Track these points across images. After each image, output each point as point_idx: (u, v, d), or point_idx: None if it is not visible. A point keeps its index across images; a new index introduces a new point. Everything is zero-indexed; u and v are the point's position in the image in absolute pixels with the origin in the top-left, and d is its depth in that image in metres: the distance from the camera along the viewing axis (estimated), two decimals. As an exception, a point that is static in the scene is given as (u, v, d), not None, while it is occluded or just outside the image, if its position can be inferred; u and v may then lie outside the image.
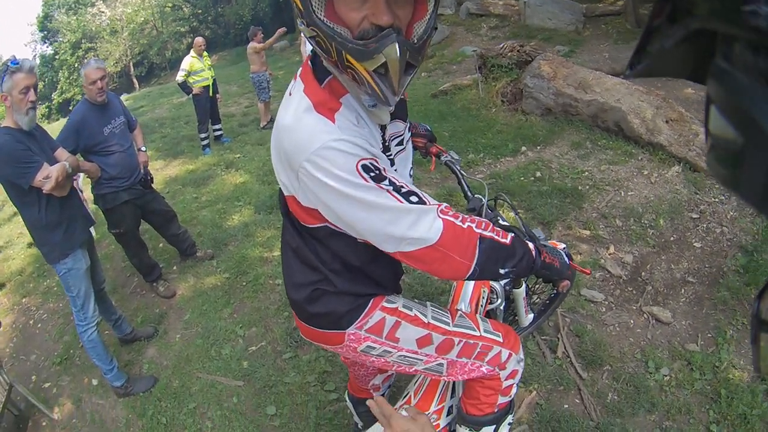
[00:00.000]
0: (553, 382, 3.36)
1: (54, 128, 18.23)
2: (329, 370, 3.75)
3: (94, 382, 4.39)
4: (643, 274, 4.31)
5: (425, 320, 1.83)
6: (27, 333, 5.15)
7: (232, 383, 3.91)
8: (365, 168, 1.34)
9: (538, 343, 3.64)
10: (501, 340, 1.96)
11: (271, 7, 35.09)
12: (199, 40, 9.98)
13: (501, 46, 9.25)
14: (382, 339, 1.80)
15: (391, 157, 1.62)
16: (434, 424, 1.93)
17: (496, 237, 1.53)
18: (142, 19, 41.10)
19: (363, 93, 1.37)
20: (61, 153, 3.73)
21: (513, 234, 1.62)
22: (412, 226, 1.39)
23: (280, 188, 1.64)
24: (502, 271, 1.55)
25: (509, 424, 2.14)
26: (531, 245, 1.67)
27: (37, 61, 49.09)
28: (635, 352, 3.56)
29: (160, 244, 5.79)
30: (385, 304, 1.79)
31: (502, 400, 2.01)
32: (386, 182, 1.37)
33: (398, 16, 1.28)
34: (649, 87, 7.22)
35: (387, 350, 1.82)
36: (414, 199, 1.40)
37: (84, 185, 5.18)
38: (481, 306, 2.38)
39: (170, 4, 41.03)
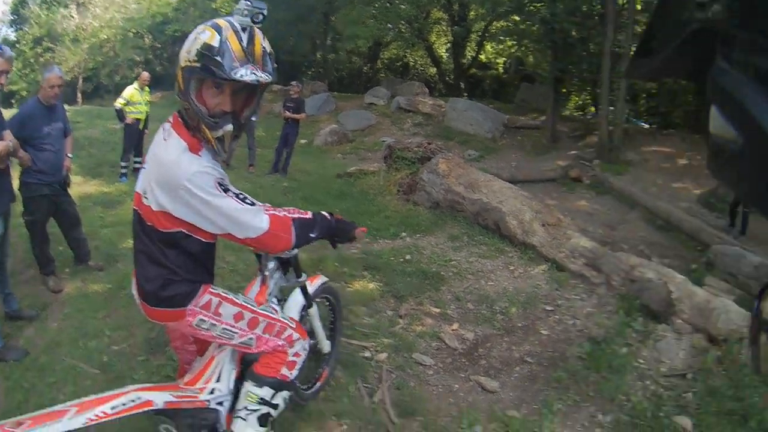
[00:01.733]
0: (365, 421, 3.76)
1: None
2: (172, 375, 4.14)
3: None
4: (480, 350, 4.81)
5: (238, 301, 2.64)
6: None
7: (90, 370, 4.36)
8: (219, 184, 2.21)
9: (359, 388, 4.10)
10: (294, 325, 2.84)
11: None
12: (145, 74, 11.01)
13: (410, 140, 10.21)
14: (209, 313, 2.53)
15: None
16: (196, 396, 2.62)
17: (302, 216, 2.50)
18: (105, 37, 41.22)
19: (204, 144, 2.30)
20: (8, 135, 4.41)
21: (315, 213, 2.61)
22: (251, 219, 2.26)
23: (135, 210, 2.47)
24: (312, 235, 2.54)
25: (284, 399, 2.80)
26: (326, 214, 2.67)
27: None
28: (452, 410, 3.99)
29: (60, 247, 6.26)
30: (211, 289, 2.56)
31: (284, 371, 2.75)
32: (231, 192, 2.24)
33: (236, 105, 2.29)
34: (537, 194, 8.08)
35: (213, 323, 2.54)
36: (249, 201, 2.28)
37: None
38: None
39: (134, 30, 41.26)
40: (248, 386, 2.72)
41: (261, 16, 2.17)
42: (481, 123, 15.31)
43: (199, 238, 2.38)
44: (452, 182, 8.19)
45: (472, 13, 23.43)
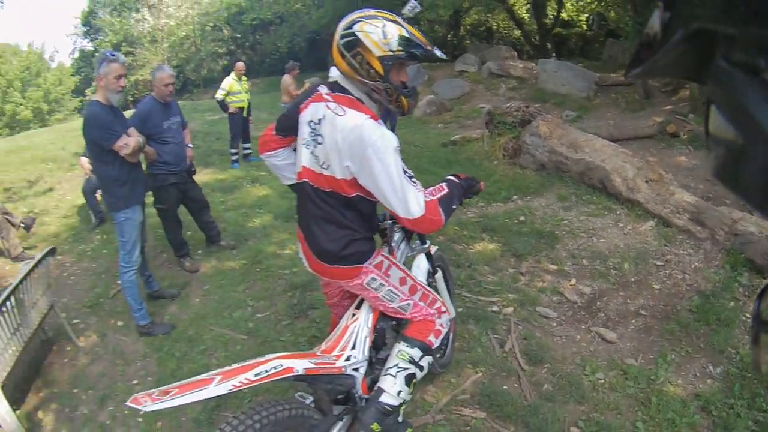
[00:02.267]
0: (498, 368, 4.10)
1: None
2: (317, 335, 4.55)
3: (120, 323, 5.27)
4: (598, 303, 5.00)
5: (401, 267, 2.96)
6: (60, 282, 5.93)
7: (238, 336, 4.82)
8: (396, 151, 2.48)
9: (490, 339, 4.42)
10: (441, 299, 3.12)
11: (307, 42, 35.34)
12: (240, 64, 11.24)
13: (508, 105, 10.22)
14: (381, 273, 2.82)
15: None
16: (333, 363, 2.80)
17: (441, 193, 2.67)
18: (184, 34, 41.86)
19: (396, 110, 2.77)
20: (133, 132, 4.78)
21: (445, 182, 2.81)
22: (413, 202, 2.47)
23: (305, 182, 2.77)
24: (454, 207, 2.73)
25: (428, 363, 3.05)
26: (452, 178, 2.88)
27: (77, 54, 50.65)
28: (575, 358, 4.24)
29: (189, 232, 6.73)
30: (382, 252, 2.90)
31: (431, 338, 3.00)
32: (402, 167, 2.48)
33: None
34: (637, 151, 8.06)
35: (382, 284, 2.83)
36: (414, 180, 2.52)
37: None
38: None
39: (211, 24, 41.67)
40: (400, 346, 2.96)
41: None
42: (573, 83, 15.12)
43: (371, 199, 2.68)
44: (555, 143, 8.28)
45: (547, -30, 22.31)
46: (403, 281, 2.93)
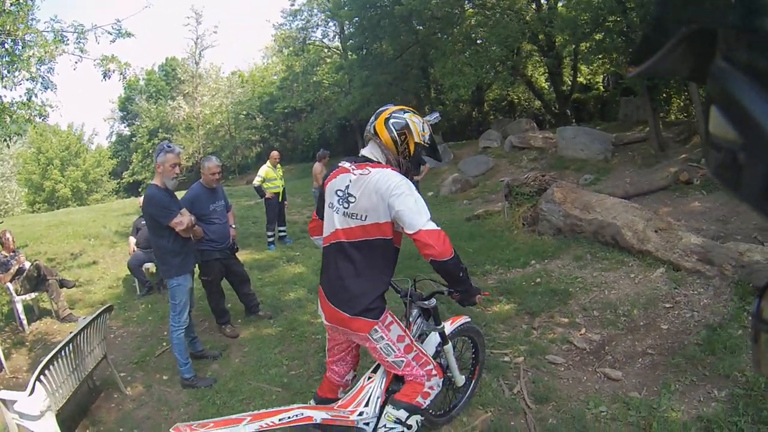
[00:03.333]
0: (506, 408, 4.48)
1: (124, 204, 21.11)
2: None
3: (165, 377, 5.89)
4: (606, 348, 5.33)
5: (403, 326, 3.32)
6: (107, 342, 6.21)
7: (273, 389, 5.36)
8: (410, 187, 3.03)
9: (501, 384, 4.84)
10: (434, 363, 3.44)
11: (337, 129, 36.69)
12: (275, 153, 12.19)
13: (525, 176, 10.80)
14: (383, 326, 3.18)
15: None
16: (347, 417, 3.27)
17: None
18: (218, 122, 43.48)
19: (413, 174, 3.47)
20: (185, 212, 5.42)
21: None
22: (426, 219, 2.96)
23: (336, 243, 3.22)
24: (462, 268, 3.10)
25: (417, 422, 3.38)
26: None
27: (114, 138, 52.85)
28: (580, 396, 4.58)
29: (229, 304, 7.39)
30: (389, 311, 3.27)
31: (419, 399, 3.33)
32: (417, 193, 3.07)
33: None
34: (651, 204, 8.50)
35: (382, 336, 3.18)
36: (424, 207, 3.04)
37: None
38: None
39: (245, 113, 43.33)
40: (388, 408, 3.34)
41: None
42: (591, 146, 15.50)
43: (397, 245, 3.23)
44: (569, 207, 8.70)
45: (558, 39, 22.72)
46: (401, 339, 3.26)
